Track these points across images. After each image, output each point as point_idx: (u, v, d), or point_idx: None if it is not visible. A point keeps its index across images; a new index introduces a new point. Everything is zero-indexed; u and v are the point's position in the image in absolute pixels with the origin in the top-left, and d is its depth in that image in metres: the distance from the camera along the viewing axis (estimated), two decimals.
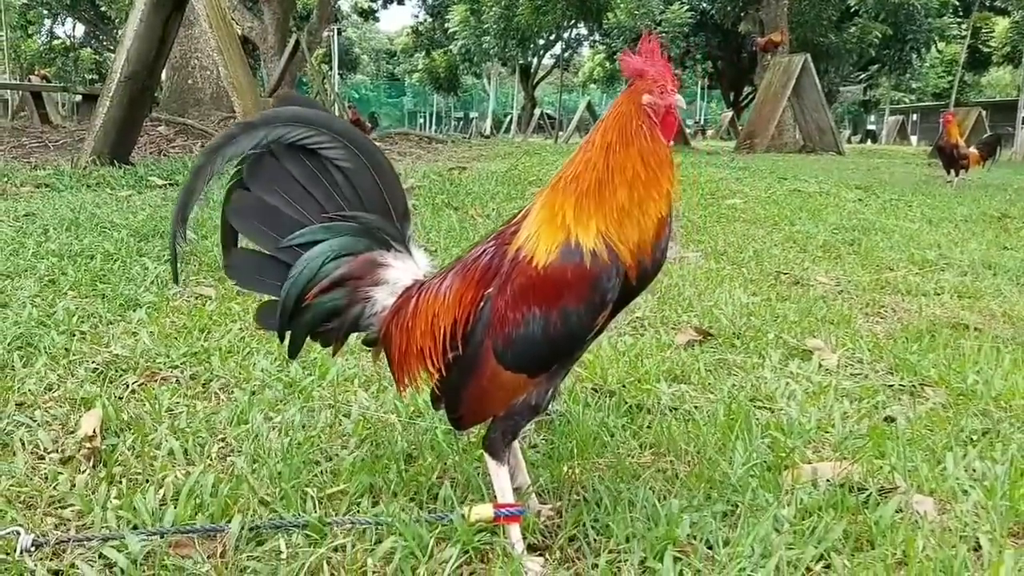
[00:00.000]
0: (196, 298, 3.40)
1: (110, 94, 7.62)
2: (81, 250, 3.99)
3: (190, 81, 13.75)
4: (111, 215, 5.08)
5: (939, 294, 4.23)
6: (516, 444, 1.76)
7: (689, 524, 1.60)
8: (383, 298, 1.62)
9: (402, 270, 1.64)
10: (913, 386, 2.72)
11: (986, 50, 39.66)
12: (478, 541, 1.53)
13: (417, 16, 47.63)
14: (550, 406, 1.61)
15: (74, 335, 2.77)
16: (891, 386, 2.73)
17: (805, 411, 2.39)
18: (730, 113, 35.62)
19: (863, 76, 35.06)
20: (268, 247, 1.61)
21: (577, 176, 1.51)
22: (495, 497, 1.57)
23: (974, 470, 1.97)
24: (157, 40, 7.92)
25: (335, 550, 1.49)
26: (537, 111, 33.91)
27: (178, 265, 1.60)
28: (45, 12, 42.39)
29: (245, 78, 7.99)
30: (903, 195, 8.18)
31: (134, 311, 3.10)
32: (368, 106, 44.88)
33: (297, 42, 16.02)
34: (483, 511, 1.56)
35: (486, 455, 1.57)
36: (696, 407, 2.43)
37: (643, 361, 2.81)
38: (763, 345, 3.13)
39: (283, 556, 1.45)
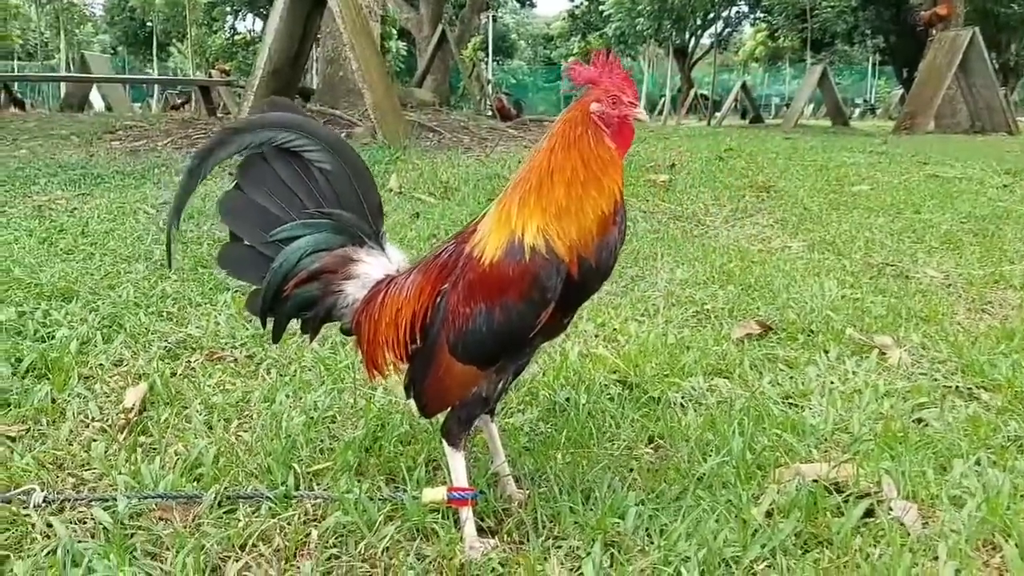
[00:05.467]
0: None
1: (254, 89, 8.19)
2: (202, 236, 4.36)
3: (341, 73, 14.40)
4: None
5: None
6: (495, 430, 1.85)
7: (635, 515, 1.63)
8: (354, 291, 1.75)
9: (374, 265, 1.75)
10: (970, 388, 2.58)
11: None
12: (428, 520, 1.63)
13: (573, 0, 47.58)
14: (503, 396, 1.69)
15: (161, 315, 3.06)
16: (948, 387, 2.60)
17: (830, 411, 2.32)
18: (901, 91, 33.49)
19: None
20: (255, 241, 1.76)
21: (525, 178, 1.58)
22: (450, 481, 1.66)
23: (985, 477, 1.88)
24: (299, 35, 8.43)
25: (288, 522, 1.63)
26: (692, 92, 33.14)
27: (172, 254, 1.79)
28: (227, 9, 45.55)
29: (377, 72, 8.36)
30: None
31: (223, 293, 3.38)
32: (525, 92, 45.32)
33: (443, 32, 16.45)
34: (436, 493, 1.67)
35: (443, 441, 1.67)
36: (721, 402, 2.41)
37: (686, 354, 2.80)
38: (826, 341, 3.03)
39: (240, 523, 1.61)
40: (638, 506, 1.68)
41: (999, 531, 1.65)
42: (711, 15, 36.16)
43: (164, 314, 3.10)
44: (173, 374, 2.49)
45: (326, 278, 1.75)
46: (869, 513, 1.72)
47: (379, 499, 1.69)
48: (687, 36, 38.10)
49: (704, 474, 1.87)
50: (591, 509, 1.67)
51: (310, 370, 2.56)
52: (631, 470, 1.92)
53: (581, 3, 45.00)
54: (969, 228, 5.41)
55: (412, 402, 1.74)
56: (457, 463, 1.66)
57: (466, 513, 1.64)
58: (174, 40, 47.30)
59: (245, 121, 1.74)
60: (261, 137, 1.72)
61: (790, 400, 2.47)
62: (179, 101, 22.60)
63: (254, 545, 1.55)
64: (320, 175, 1.74)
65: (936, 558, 1.54)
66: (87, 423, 2.13)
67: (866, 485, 1.84)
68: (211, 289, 3.46)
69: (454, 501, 1.63)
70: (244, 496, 1.69)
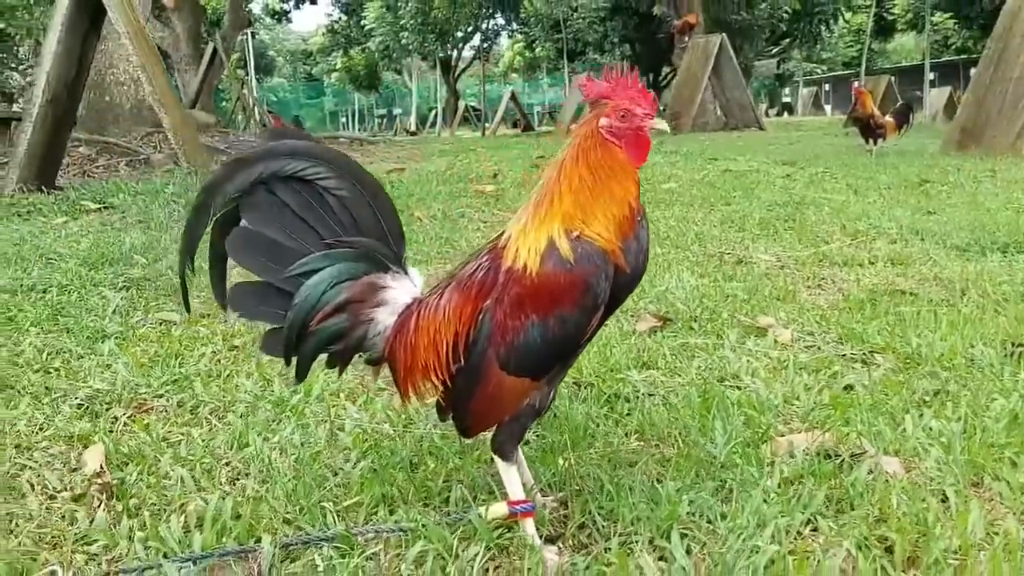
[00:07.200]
0: (160, 324, 3.40)
1: (32, 118, 7.44)
2: (32, 284, 3.94)
3: (107, 98, 13.39)
4: (53, 245, 5.00)
5: (873, 263, 4.46)
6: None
7: (688, 503, 1.73)
8: (384, 318, 1.71)
9: (400, 290, 1.72)
10: (863, 354, 2.90)
11: (890, 17, 41.16)
12: (499, 537, 1.64)
13: (331, 15, 47.04)
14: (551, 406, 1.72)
15: (49, 372, 2.77)
16: (843, 356, 2.91)
17: (771, 387, 2.54)
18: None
19: (776, 51, 36.03)
20: (271, 279, 1.67)
21: (544, 191, 1.63)
22: (507, 495, 1.67)
23: (931, 429, 2.15)
24: (76, 59, 7.76)
25: (368, 559, 1.57)
26: (461, 104, 33.90)
27: (188, 298, 1.69)
28: None
29: (171, 94, 7.89)
30: (828, 167, 8.51)
31: (102, 343, 3.10)
32: (288, 109, 44.19)
33: (215, 50, 15.74)
34: (498, 509, 1.67)
35: (496, 457, 1.68)
36: (670, 391, 2.56)
37: (611, 351, 2.94)
38: (719, 326, 3.28)
39: (320, 569, 1.53)
40: (682, 493, 1.77)
41: (975, 469, 1.91)
42: (471, 28, 37.15)
43: (50, 371, 2.80)
44: (110, 431, 2.27)
45: (353, 308, 1.69)
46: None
47: (445, 523, 1.67)
48: (450, 49, 38.92)
49: (712, 457, 2.00)
50: (645, 503, 1.75)
51: (260, 409, 2.43)
52: (644, 464, 2.00)
53: (340, 18, 44.59)
54: (776, 215, 6.00)
55: (451, 422, 1.73)
56: (512, 476, 1.67)
57: (531, 524, 1.66)
58: None
59: (253, 151, 1.64)
60: (272, 167, 1.64)
61: (726, 382, 2.67)
62: None
63: None
64: (336, 201, 1.69)
65: (945, 499, 1.77)
66: (52, 494, 1.91)
67: (850, 447, 2.05)
68: (87, 339, 3.16)
69: (519, 514, 1.65)
70: (307, 541, 1.60)
